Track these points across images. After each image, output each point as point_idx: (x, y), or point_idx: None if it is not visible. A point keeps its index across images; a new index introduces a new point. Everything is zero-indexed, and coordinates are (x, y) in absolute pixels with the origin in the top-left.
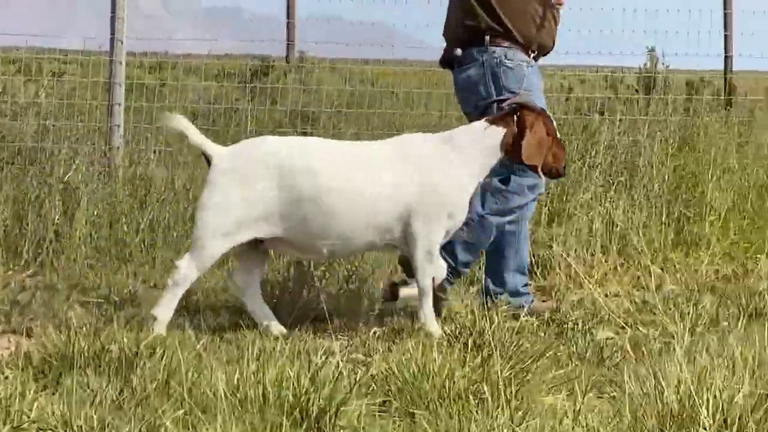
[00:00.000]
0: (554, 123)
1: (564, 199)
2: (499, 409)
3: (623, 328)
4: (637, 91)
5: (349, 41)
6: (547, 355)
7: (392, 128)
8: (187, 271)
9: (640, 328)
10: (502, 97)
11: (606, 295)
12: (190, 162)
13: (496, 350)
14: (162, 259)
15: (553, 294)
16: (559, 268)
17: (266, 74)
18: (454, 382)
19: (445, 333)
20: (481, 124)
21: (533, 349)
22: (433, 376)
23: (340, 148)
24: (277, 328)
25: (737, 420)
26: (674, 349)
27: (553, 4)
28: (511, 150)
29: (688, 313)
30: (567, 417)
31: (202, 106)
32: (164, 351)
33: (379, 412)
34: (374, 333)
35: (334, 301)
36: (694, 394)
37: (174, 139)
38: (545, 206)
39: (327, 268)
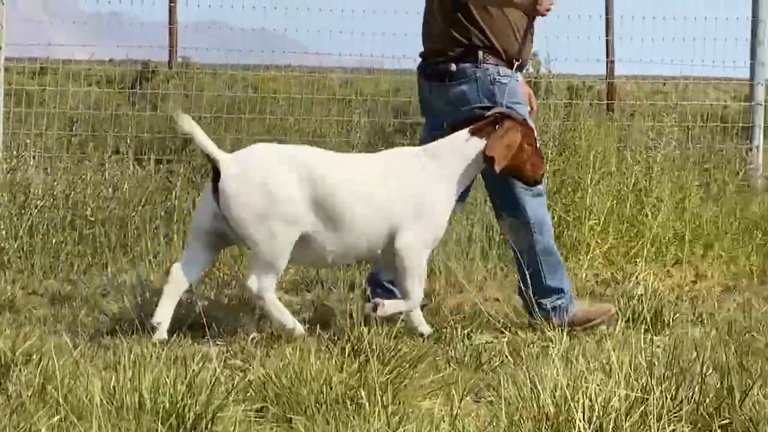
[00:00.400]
0: (535, 133)
1: None
2: (376, 414)
3: (502, 332)
4: None
5: (233, 47)
6: (425, 359)
7: (272, 134)
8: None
9: (519, 333)
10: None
11: (485, 300)
12: (70, 168)
13: (373, 355)
14: (41, 265)
15: (433, 298)
16: (439, 273)
17: (148, 80)
18: (331, 388)
19: (322, 338)
20: (464, 134)
21: (411, 354)
22: (310, 382)
23: (339, 158)
24: (162, 334)
25: (612, 423)
26: (551, 353)
27: (539, 14)
28: (491, 159)
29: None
30: (444, 421)
31: (83, 112)
32: (40, 357)
33: (256, 418)
34: (252, 339)
35: (213, 307)
36: (569, 398)
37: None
38: None
39: (206, 273)
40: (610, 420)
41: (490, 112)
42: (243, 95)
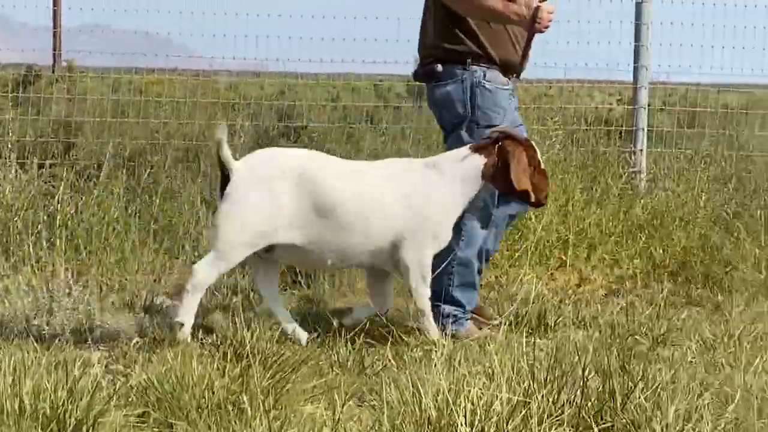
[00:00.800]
0: (538, 153)
1: None
2: (258, 419)
3: (385, 337)
4: (405, 99)
5: (117, 50)
6: (308, 364)
7: (156, 138)
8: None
9: (403, 337)
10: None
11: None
12: None
13: (255, 360)
14: None
15: (318, 303)
16: (324, 278)
17: (32, 83)
18: (213, 393)
19: (205, 343)
20: (464, 151)
21: (294, 358)
22: (192, 387)
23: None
24: (302, 333)
25: (494, 427)
26: (434, 357)
27: (537, 30)
28: (492, 178)
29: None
30: (326, 426)
31: None
32: None
33: (137, 423)
34: (135, 343)
35: (95, 311)
36: (451, 402)
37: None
38: None
39: (89, 277)
40: (491, 423)
41: (492, 131)
42: (127, 99)
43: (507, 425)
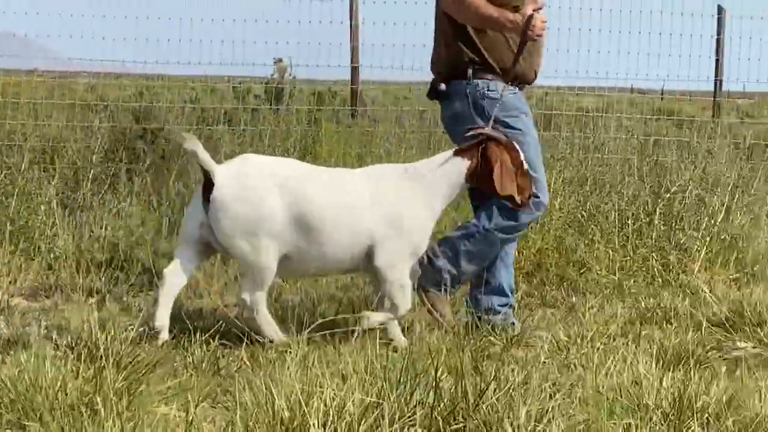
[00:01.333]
0: (521, 154)
1: (182, 210)
2: (111, 421)
3: (240, 338)
4: (264, 101)
5: None
6: (163, 365)
7: (12, 140)
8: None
9: (258, 338)
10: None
11: (225, 306)
12: None
13: (109, 361)
14: None
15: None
16: None
17: None
18: (66, 394)
19: (59, 345)
20: (446, 155)
21: (149, 360)
22: (45, 388)
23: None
24: (164, 334)
25: (347, 428)
26: (288, 359)
27: (530, 38)
28: (476, 180)
29: (306, 322)
30: (179, 427)
31: None
32: None
33: None
34: None
35: None
36: (304, 403)
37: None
38: (170, 218)
39: None
40: (344, 424)
41: (474, 133)
42: None
43: (359, 426)
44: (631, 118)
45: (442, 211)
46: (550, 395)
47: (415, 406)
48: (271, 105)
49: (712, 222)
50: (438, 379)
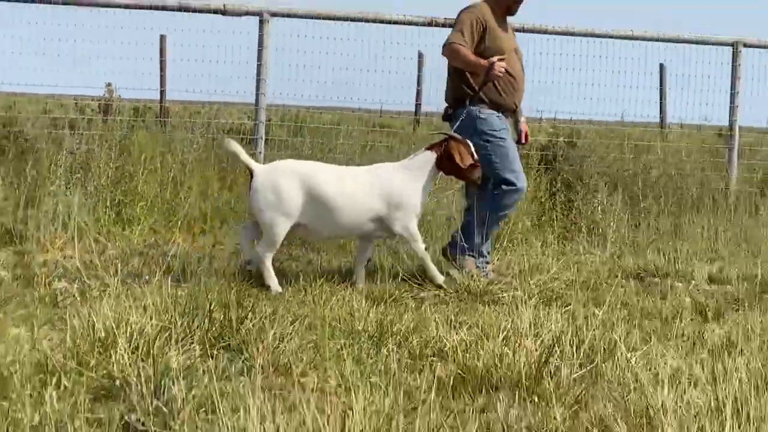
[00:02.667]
0: (471, 147)
1: (35, 189)
2: None
3: (75, 280)
4: (97, 113)
5: None
6: (15, 299)
7: None
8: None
9: (86, 280)
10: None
11: (65, 257)
12: None
13: None
14: None
15: (26, 256)
16: (32, 239)
17: None
18: None
19: None
20: (423, 151)
21: (3, 296)
22: None
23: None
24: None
25: (147, 345)
26: (105, 295)
27: (491, 77)
28: (441, 167)
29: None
30: (27, 343)
31: None
32: None
33: None
34: None
35: None
36: (115, 326)
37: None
38: (26, 195)
39: None
40: (143, 342)
41: (440, 135)
42: None
43: (154, 343)
44: (358, 130)
45: (430, 186)
46: (291, 322)
47: (195, 329)
48: (102, 116)
49: None
50: (211, 311)
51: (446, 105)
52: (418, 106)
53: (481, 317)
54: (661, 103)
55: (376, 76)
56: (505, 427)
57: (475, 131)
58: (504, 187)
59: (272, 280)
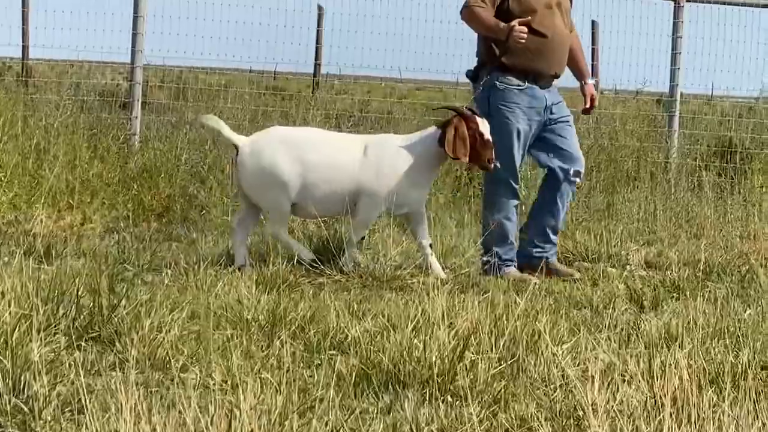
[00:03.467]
0: (480, 125)
1: None
2: None
3: None
4: None
5: None
6: None
7: None
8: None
9: None
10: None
11: None
12: None
13: None
14: None
15: None
16: None
17: None
18: None
19: None
20: (430, 129)
21: None
22: None
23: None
24: (248, 269)
25: (2, 334)
26: None
27: (512, 41)
28: (441, 145)
29: None
30: None
31: None
32: None
33: None
34: None
35: None
36: None
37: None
38: None
39: None
40: (2, 332)
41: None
42: None
43: (13, 333)
44: (248, 93)
45: (437, 164)
46: (170, 310)
47: (60, 318)
48: None
49: None
50: (79, 297)
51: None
52: (317, 66)
53: (388, 305)
54: (593, 65)
55: (270, 31)
56: (414, 429)
57: (489, 105)
58: (493, 176)
59: (302, 251)
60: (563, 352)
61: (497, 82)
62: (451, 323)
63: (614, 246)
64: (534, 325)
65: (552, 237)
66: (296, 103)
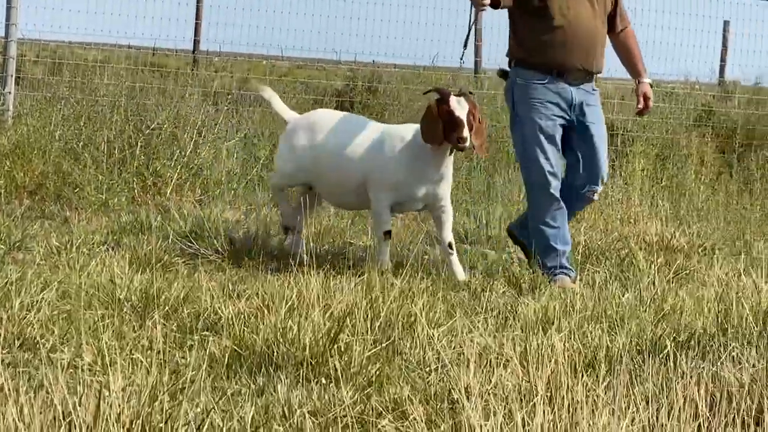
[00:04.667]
0: (452, 102)
1: None
2: None
3: None
4: None
5: None
6: None
7: None
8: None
9: None
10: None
11: None
12: None
13: None
14: None
15: None
16: None
17: None
18: None
19: None
20: None
21: None
22: None
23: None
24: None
25: None
26: None
27: (477, 9)
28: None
29: None
30: None
31: None
32: None
33: None
34: None
35: None
36: None
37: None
38: None
39: None
40: None
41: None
42: None
43: None
44: (126, 69)
45: (439, 153)
46: (41, 290)
47: None
48: None
49: (183, 154)
50: None
51: None
52: (196, 42)
53: (263, 286)
54: (476, 45)
55: (149, 6)
56: (286, 412)
57: (513, 102)
58: (525, 180)
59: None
60: (439, 334)
61: (518, 78)
62: (326, 304)
63: (493, 228)
64: (410, 307)
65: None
66: (174, 79)
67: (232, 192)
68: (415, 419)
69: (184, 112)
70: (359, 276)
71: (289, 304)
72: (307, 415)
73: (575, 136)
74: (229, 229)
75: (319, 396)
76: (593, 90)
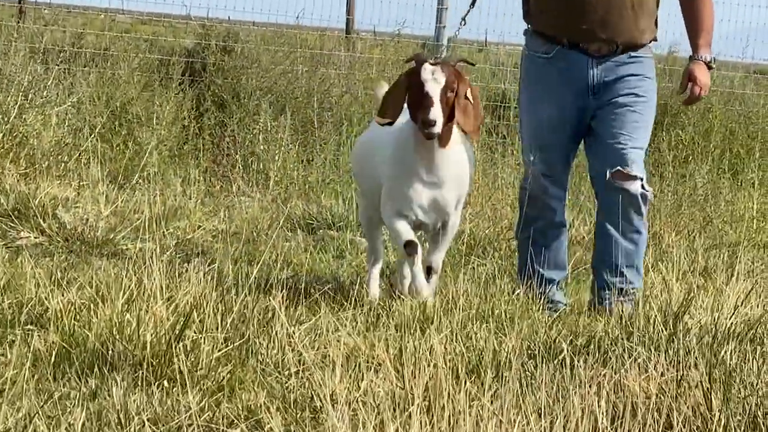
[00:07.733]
0: (423, 72)
1: None
2: None
3: None
4: None
5: None
6: None
7: None
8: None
9: None
10: None
11: None
12: None
13: None
14: None
15: None
16: None
17: None
18: None
19: None
20: None
21: None
22: None
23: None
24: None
25: None
26: None
27: None
28: None
29: None
30: None
31: None
32: None
33: None
34: None
35: None
36: None
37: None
38: None
39: None
40: None
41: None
42: None
43: None
44: None
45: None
46: None
47: None
48: None
49: (5, 119)
50: None
51: None
52: None
53: (98, 274)
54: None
55: None
56: (122, 419)
57: (521, 71)
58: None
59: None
60: (301, 333)
61: (526, 48)
62: (170, 297)
63: None
64: (267, 301)
65: (605, 274)
66: None
67: (63, 165)
68: (271, 429)
69: (7, 71)
70: (209, 264)
71: (127, 294)
72: (146, 423)
73: (598, 119)
74: (59, 207)
75: (161, 401)
76: (632, 59)
